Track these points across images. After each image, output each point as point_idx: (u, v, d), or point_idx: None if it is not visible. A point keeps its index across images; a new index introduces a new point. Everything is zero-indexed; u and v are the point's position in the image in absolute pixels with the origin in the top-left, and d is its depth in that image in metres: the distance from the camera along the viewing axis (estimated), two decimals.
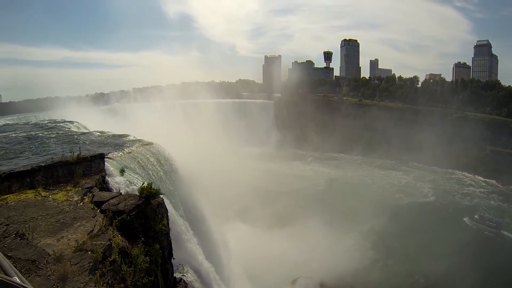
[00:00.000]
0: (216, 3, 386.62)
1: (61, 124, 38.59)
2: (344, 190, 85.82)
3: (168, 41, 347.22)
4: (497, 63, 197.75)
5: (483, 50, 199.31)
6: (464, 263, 51.59)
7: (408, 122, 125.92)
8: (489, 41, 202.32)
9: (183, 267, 24.32)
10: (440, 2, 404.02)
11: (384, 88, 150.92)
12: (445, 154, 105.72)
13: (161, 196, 18.70)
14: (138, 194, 17.45)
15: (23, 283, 4.22)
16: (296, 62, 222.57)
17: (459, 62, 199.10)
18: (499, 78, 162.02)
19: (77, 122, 41.06)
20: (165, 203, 19.53)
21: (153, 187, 17.83)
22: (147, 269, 15.16)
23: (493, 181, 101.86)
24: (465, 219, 74.39)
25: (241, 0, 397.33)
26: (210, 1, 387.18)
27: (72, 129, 36.18)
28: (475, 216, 73.78)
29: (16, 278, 4.36)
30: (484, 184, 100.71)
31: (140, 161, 24.28)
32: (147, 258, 15.30)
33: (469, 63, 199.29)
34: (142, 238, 15.82)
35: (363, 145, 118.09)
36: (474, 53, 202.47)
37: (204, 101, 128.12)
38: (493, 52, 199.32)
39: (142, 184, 18.37)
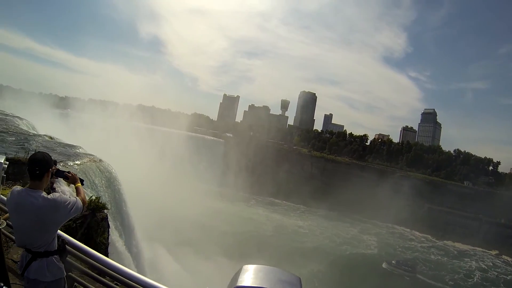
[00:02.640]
0: (188, 34, 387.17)
1: (9, 118, 37.42)
2: (291, 237, 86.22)
3: (134, 59, 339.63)
4: (440, 130, 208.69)
5: (429, 117, 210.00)
6: None
7: (354, 176, 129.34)
8: (435, 110, 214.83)
9: None
10: (396, 70, 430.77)
11: (334, 142, 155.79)
12: (386, 209, 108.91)
13: (106, 211, 18.82)
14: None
15: None
16: (253, 105, 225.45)
17: (407, 126, 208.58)
18: (440, 144, 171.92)
19: (26, 119, 39.86)
20: (108, 219, 19.57)
21: (100, 201, 18.16)
22: None
23: (429, 236, 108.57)
24: (383, 264, 78.92)
25: (212, 36, 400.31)
26: (183, 31, 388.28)
27: (21, 126, 35.03)
28: (392, 262, 78.89)
29: None
30: (423, 239, 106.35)
31: (88, 176, 23.99)
32: None
33: (416, 127, 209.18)
34: None
35: (306, 194, 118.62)
36: (420, 119, 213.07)
37: (158, 128, 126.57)
38: (437, 120, 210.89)
39: (91, 196, 18.66)
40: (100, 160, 27.31)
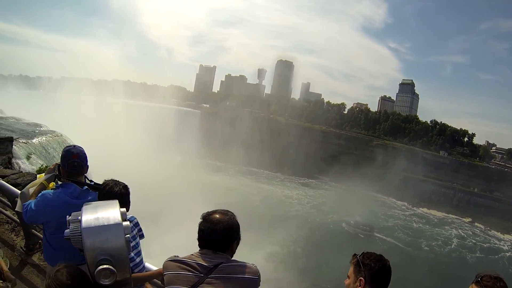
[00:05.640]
0: (163, 4, 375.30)
1: None
2: (277, 207, 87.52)
3: (106, 32, 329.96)
4: (418, 101, 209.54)
5: (407, 88, 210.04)
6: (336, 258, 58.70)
7: (330, 144, 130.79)
8: (413, 80, 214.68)
9: None
10: (376, 40, 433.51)
11: (311, 111, 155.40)
12: (365, 177, 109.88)
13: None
14: (36, 173, 17.65)
15: None
16: (229, 75, 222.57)
17: (385, 96, 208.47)
18: (417, 114, 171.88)
19: None
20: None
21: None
22: None
23: (405, 203, 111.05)
24: (343, 224, 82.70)
25: (188, 5, 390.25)
26: (157, 1, 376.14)
27: None
28: (351, 222, 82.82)
29: None
30: (404, 207, 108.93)
31: (47, 150, 25.86)
32: None
33: (394, 97, 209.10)
34: None
35: (284, 162, 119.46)
36: (398, 90, 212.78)
37: (134, 102, 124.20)
38: (415, 91, 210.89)
39: (41, 165, 20.48)
40: (61, 135, 29.56)
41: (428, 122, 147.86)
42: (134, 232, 4.62)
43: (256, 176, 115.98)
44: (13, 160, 20.07)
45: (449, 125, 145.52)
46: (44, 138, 26.60)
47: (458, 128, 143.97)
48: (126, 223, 3.14)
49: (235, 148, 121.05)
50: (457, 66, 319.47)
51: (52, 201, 4.29)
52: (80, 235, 2.92)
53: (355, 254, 3.42)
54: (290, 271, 55.16)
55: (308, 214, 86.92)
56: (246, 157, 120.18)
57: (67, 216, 3.21)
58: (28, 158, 22.04)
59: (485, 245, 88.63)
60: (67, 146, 4.74)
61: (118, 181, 4.51)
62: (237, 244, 3.46)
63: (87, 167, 4.78)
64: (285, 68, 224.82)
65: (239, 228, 3.45)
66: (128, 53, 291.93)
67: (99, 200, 4.17)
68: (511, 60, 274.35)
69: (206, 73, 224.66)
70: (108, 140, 67.11)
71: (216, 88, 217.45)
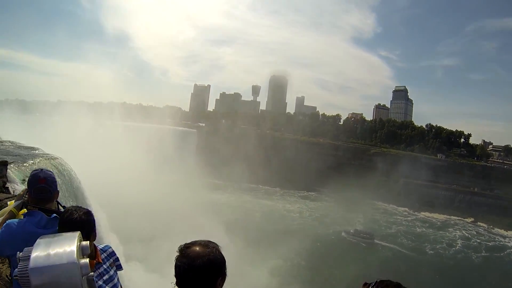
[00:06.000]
0: (156, 26, 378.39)
1: None
2: (279, 221, 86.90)
3: (101, 56, 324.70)
4: (412, 106, 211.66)
5: (400, 94, 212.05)
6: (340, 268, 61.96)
7: (328, 156, 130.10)
8: (406, 87, 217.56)
9: None
10: (367, 50, 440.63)
11: (307, 124, 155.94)
12: (363, 186, 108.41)
13: None
14: None
15: None
16: (224, 93, 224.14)
17: (379, 104, 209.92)
18: (413, 119, 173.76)
19: None
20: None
21: None
22: None
23: (406, 209, 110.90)
24: (343, 234, 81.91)
25: (180, 27, 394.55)
26: (150, 23, 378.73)
27: None
28: (351, 231, 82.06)
29: None
30: (405, 213, 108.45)
31: None
32: None
33: (388, 105, 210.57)
34: None
35: (282, 177, 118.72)
36: (392, 97, 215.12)
37: (130, 124, 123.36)
38: (409, 97, 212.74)
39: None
40: (56, 158, 27.39)
41: (424, 126, 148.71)
42: (108, 264, 4.22)
43: (255, 192, 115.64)
44: (8, 184, 19.48)
45: (445, 127, 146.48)
46: (39, 161, 25.45)
47: (454, 130, 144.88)
48: (85, 260, 2.80)
49: (232, 166, 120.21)
50: (448, 69, 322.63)
51: (16, 232, 3.99)
52: (28, 276, 2.63)
53: (365, 284, 2.86)
54: (295, 285, 54.83)
55: (310, 227, 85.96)
56: (244, 174, 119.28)
57: (18, 252, 2.87)
58: (23, 181, 21.52)
59: (490, 244, 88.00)
60: (34, 170, 4.48)
61: (79, 207, 4.10)
62: (223, 281, 2.87)
63: (57, 192, 4.54)
64: (279, 83, 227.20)
65: (223, 263, 2.88)
66: (123, 75, 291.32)
67: (59, 231, 3.79)
68: (501, 58, 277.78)
69: (201, 92, 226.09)
70: (108, 162, 66.62)
71: (211, 106, 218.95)
